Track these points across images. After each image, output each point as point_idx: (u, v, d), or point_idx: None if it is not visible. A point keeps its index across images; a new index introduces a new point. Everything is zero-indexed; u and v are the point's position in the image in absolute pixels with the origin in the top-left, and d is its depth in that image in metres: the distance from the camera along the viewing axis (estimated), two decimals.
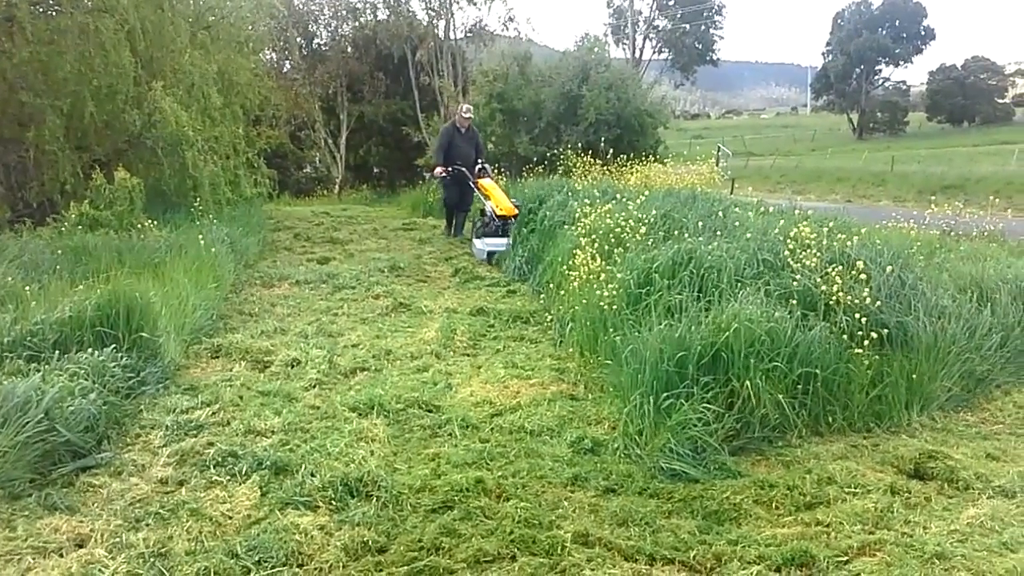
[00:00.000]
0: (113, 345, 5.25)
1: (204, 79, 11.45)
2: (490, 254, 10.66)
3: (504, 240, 10.67)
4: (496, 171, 15.06)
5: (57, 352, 5.02)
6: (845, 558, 3.29)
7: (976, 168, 29.02)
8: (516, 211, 10.93)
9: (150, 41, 10.57)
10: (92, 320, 5.42)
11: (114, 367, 5.01)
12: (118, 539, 3.35)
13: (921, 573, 3.12)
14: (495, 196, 11.37)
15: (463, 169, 12.21)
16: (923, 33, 67.38)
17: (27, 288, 5.91)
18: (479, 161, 12.69)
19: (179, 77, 11.17)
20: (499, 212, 10.99)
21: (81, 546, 3.33)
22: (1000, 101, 68.98)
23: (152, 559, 3.22)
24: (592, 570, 3.21)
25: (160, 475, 4.02)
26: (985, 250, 8.32)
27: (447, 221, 13.11)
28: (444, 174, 12.24)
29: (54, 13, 10.54)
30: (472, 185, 12.12)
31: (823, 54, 72.39)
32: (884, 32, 66.34)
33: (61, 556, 3.24)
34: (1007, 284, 6.27)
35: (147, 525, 3.51)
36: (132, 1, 10.03)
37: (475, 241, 11.28)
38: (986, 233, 9.75)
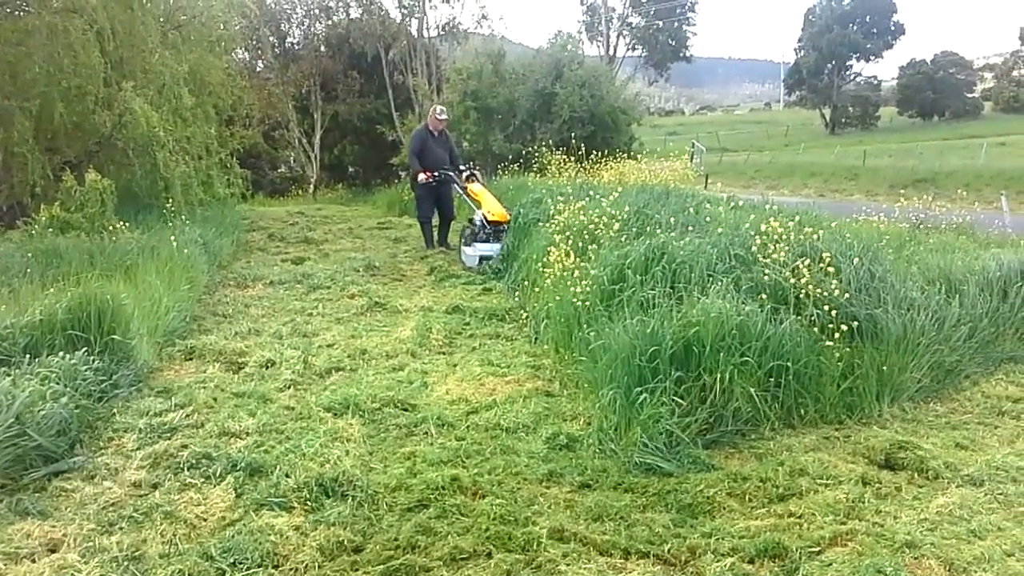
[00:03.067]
0: (85, 348, 5.20)
1: (175, 79, 11.34)
2: (481, 258, 10.00)
3: (496, 246, 10.04)
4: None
5: (28, 356, 4.96)
6: (817, 549, 3.33)
7: (946, 162, 29.41)
8: (508, 217, 10.30)
9: (120, 41, 10.46)
10: (63, 323, 5.36)
11: (86, 370, 4.96)
12: (91, 543, 3.33)
13: (892, 562, 3.15)
14: (486, 201, 10.65)
15: (450, 173, 11.22)
16: (893, 28, 68.00)
17: None
18: (469, 165, 11.72)
19: (150, 77, 11.07)
20: (491, 218, 10.32)
21: (54, 551, 3.31)
22: (969, 95, 69.67)
23: (126, 563, 3.20)
24: (568, 565, 3.23)
25: (133, 478, 3.99)
26: (954, 242, 8.44)
27: (425, 237, 11.72)
28: (429, 179, 11.01)
29: (21, 14, 10.42)
30: (460, 190, 11.21)
31: (795, 50, 72.92)
32: (855, 28, 66.85)
33: (33, 561, 3.21)
34: (975, 276, 6.37)
35: (121, 529, 3.49)
36: (101, 1, 9.92)
37: (465, 249, 10.46)
38: (955, 226, 9.88)
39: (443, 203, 11.64)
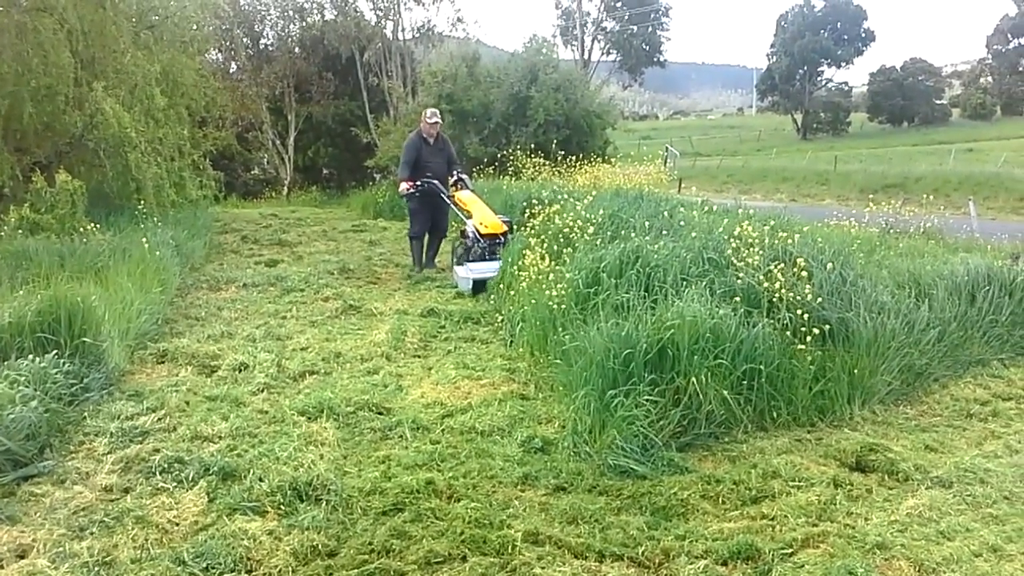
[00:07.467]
0: (55, 351, 5.13)
1: (147, 80, 11.25)
2: (477, 283, 8.56)
3: (494, 264, 8.63)
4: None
5: None
6: (789, 550, 3.35)
7: (915, 167, 29.77)
8: (505, 228, 9.19)
9: (91, 41, 10.36)
10: (33, 326, 5.31)
11: (56, 374, 4.90)
12: (61, 548, 3.29)
13: (863, 563, 3.19)
14: (478, 211, 9.44)
15: (435, 182, 9.84)
16: (864, 35, 68.77)
17: None
18: (454, 172, 10.34)
19: (121, 78, 10.96)
20: (484, 231, 9.07)
21: (23, 556, 3.26)
22: (938, 102, 70.67)
23: (97, 568, 3.16)
24: (542, 568, 3.23)
25: (104, 483, 3.95)
26: (923, 247, 8.56)
27: (414, 257, 10.32)
28: (411, 189, 9.76)
29: None
30: (448, 201, 9.90)
31: (768, 56, 73.48)
32: (826, 34, 67.53)
33: (2, 567, 3.16)
34: (944, 280, 6.45)
35: (91, 534, 3.45)
36: (71, 0, 9.82)
37: (457, 269, 9.13)
38: (924, 230, 10.01)
39: (437, 216, 10.24)
